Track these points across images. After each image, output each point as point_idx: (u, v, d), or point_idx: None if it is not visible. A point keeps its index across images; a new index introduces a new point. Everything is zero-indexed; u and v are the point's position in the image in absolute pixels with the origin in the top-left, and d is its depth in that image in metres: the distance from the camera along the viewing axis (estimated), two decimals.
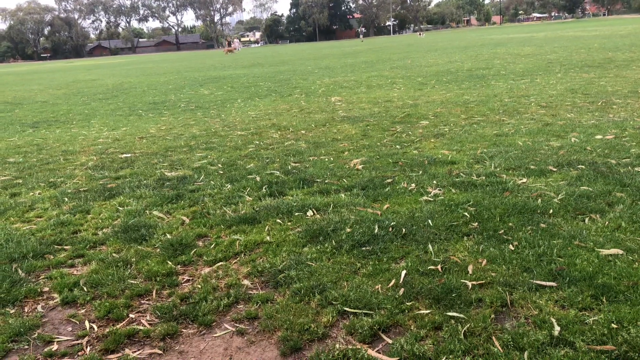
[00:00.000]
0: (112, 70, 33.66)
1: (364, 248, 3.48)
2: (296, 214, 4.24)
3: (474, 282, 2.93)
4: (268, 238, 3.80)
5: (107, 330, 2.82)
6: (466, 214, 3.94)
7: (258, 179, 5.37)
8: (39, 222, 4.63)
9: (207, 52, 74.07)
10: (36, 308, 3.11)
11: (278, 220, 4.13)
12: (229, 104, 12.16)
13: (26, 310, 3.11)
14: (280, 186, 5.03)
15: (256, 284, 3.19)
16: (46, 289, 3.34)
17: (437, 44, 34.07)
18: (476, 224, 3.75)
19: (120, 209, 4.78)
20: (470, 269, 3.09)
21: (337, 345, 2.48)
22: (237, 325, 2.77)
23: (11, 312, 3.07)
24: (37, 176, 6.32)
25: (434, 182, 4.83)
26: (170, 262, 3.54)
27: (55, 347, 2.71)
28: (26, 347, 2.73)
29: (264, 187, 5.03)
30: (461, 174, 5.05)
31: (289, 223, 4.07)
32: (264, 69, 23.79)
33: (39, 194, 5.54)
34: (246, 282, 3.22)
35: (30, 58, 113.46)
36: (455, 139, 6.70)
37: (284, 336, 2.60)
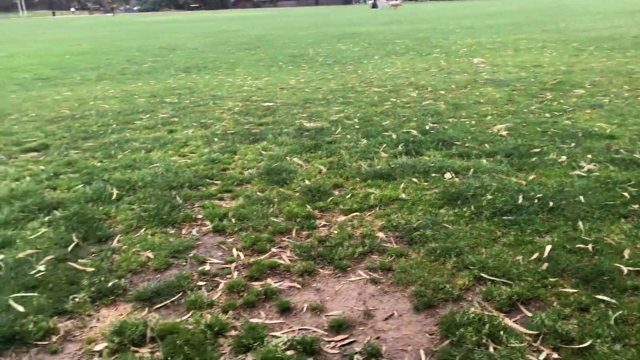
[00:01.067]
0: (254, 22, 35.04)
1: (505, 217, 3.37)
2: (433, 174, 4.20)
3: (631, 268, 2.72)
4: (403, 195, 3.82)
5: (252, 259, 3.06)
6: (625, 194, 3.62)
7: (394, 136, 5.36)
8: (192, 157, 5.07)
9: (345, 8, 73.98)
10: (192, 231, 3.46)
11: (414, 179, 4.12)
12: (365, 60, 12.14)
13: (183, 232, 3.47)
14: (417, 145, 4.99)
15: (390, 238, 3.24)
16: (200, 216, 3.68)
17: (590, 8, 30.76)
18: (637, 206, 3.44)
19: (264, 152, 5.07)
20: (626, 253, 2.86)
21: (472, 309, 2.46)
22: (371, 273, 2.86)
23: (171, 232, 3.45)
24: (190, 116, 6.88)
25: (589, 156, 4.48)
26: (308, 206, 3.72)
27: (207, 267, 3.01)
28: (184, 263, 3.07)
29: (400, 145, 5.02)
30: (621, 150, 4.62)
31: (425, 183, 4.05)
32: (402, 27, 23.28)
33: (192, 132, 6.05)
34: (380, 234, 3.29)
35: (181, 8, 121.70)
36: (615, 111, 6.11)
37: (417, 291, 2.64)
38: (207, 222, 3.57)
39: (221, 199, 4.00)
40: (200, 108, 7.42)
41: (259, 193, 4.03)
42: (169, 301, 2.67)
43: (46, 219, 3.65)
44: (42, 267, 3.00)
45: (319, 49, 15.47)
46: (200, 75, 10.98)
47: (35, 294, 2.74)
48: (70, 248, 3.21)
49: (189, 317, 2.54)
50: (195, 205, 3.87)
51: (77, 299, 2.69)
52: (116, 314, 2.60)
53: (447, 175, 4.15)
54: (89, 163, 4.94)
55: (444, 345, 2.24)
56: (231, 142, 5.48)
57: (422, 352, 2.22)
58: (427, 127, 5.69)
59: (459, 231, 3.22)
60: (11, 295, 2.72)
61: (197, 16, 58.11)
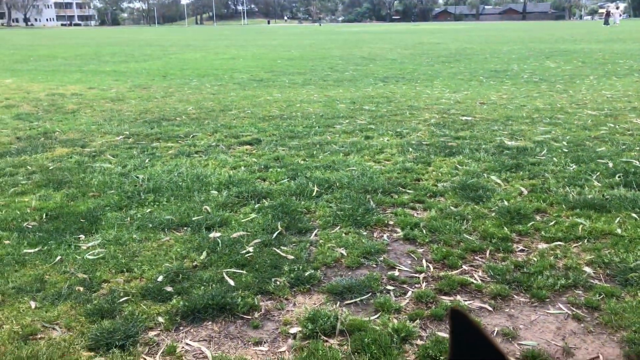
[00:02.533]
0: (455, 36, 34.50)
1: None
2: None
3: None
4: (619, 231, 3.41)
5: (442, 273, 3.01)
6: None
7: (610, 164, 4.82)
8: (387, 164, 5.18)
9: (556, 23, 68.86)
10: (383, 236, 3.54)
11: (633, 215, 3.65)
12: (578, 80, 11.13)
13: (375, 235, 3.56)
14: (639, 177, 4.41)
15: (600, 275, 2.92)
16: (391, 222, 3.75)
17: None
18: None
19: (459, 167, 4.96)
20: None
21: None
22: (574, 309, 2.61)
23: (364, 233, 3.57)
24: (387, 125, 7.04)
25: None
26: (506, 228, 3.53)
27: (396, 273, 3.05)
28: (374, 265, 3.15)
29: (617, 175, 4.49)
30: None
31: None
32: (625, 45, 20.83)
33: (387, 140, 6.18)
34: (588, 269, 2.98)
35: (383, 19, 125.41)
36: None
37: (630, 337, 2.34)
38: (398, 229, 3.62)
39: (413, 208, 4.02)
40: (397, 117, 7.55)
41: (452, 207, 3.95)
42: (358, 299, 2.77)
43: (256, 206, 4.05)
44: (250, 249, 3.34)
45: (524, 65, 14.63)
46: (398, 85, 11.17)
47: (244, 271, 3.06)
48: (274, 235, 3.52)
49: (376, 317, 2.60)
50: (388, 211, 3.94)
51: (278, 282, 2.94)
52: (310, 302, 2.77)
53: None
54: (294, 160, 5.36)
55: None
56: (426, 153, 5.47)
57: None
58: None
59: None
60: (225, 270, 3.08)
61: (397, 28, 59.33)
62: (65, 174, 4.91)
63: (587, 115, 7.26)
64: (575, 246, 3.28)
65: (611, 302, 2.62)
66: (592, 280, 2.86)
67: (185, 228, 3.66)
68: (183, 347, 2.41)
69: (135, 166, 5.16)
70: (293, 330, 2.53)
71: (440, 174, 4.77)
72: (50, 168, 5.17)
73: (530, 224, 3.59)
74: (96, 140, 6.37)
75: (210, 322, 2.61)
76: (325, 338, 2.45)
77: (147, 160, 5.36)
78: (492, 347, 0.49)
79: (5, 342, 2.44)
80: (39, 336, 2.51)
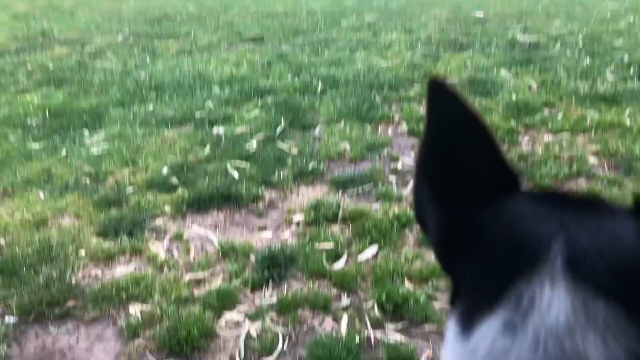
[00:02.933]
0: None
1: None
2: None
3: None
4: (628, 122, 3.35)
5: None
6: None
7: (626, 57, 4.64)
8: (394, 60, 5.03)
9: None
10: (387, 130, 3.51)
11: None
12: None
13: (379, 130, 3.53)
14: None
15: (604, 164, 2.90)
16: (396, 117, 3.70)
17: None
18: None
19: (469, 62, 4.81)
20: None
21: None
22: None
23: (368, 128, 3.53)
24: (395, 21, 6.76)
25: None
26: (512, 121, 3.48)
27: (399, 165, 3.05)
28: (377, 158, 3.15)
29: (631, 68, 4.34)
30: None
31: None
32: None
33: (395, 36, 5.97)
34: (593, 159, 2.96)
35: None
36: None
37: None
38: (403, 123, 3.58)
39: (419, 102, 3.95)
40: (406, 13, 7.24)
41: None
42: (360, 189, 2.79)
43: (259, 102, 4.00)
44: (254, 143, 3.33)
45: None
46: None
47: (248, 164, 3.08)
48: (278, 130, 3.50)
49: (378, 206, 2.63)
50: (393, 106, 3.88)
51: (281, 174, 2.96)
52: (314, 192, 2.81)
53: None
54: (298, 57, 5.21)
55: None
56: (435, 49, 5.29)
57: None
58: None
59: None
60: (229, 162, 3.09)
61: None
62: (67, 73, 4.84)
63: (606, 9, 6.91)
64: (582, 137, 3.24)
65: (613, 190, 2.62)
66: (596, 170, 2.85)
67: (188, 124, 3.64)
68: (189, 233, 2.48)
69: (137, 64, 5.06)
70: (296, 218, 2.58)
71: (449, 70, 4.63)
72: (50, 67, 5.08)
73: (538, 116, 3.53)
74: (96, 40, 6.21)
75: (215, 211, 2.66)
76: (328, 223, 2.50)
77: (148, 59, 5.24)
78: (472, 116, 0.46)
79: (18, 228, 2.52)
80: (50, 224, 2.58)
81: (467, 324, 0.41)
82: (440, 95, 0.47)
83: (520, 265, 0.40)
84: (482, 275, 0.43)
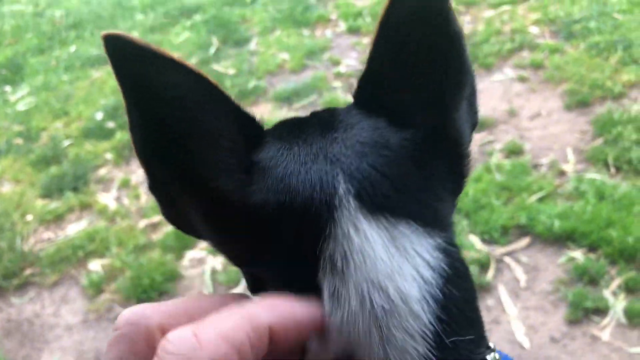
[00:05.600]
0: None
1: None
2: None
3: None
4: None
5: None
6: None
7: None
8: None
9: None
10: (325, 33, 3.35)
11: None
12: None
13: (317, 34, 3.37)
14: None
15: (545, 33, 2.85)
16: (333, 16, 3.52)
17: None
18: None
19: None
20: None
21: (635, 107, 2.16)
22: (519, 71, 2.60)
23: (306, 33, 3.37)
24: None
25: None
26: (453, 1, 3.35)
27: (342, 69, 2.95)
28: (317, 64, 3.03)
29: None
30: None
31: None
32: None
33: None
34: (534, 29, 2.90)
35: None
36: None
37: (570, 89, 2.36)
38: (341, 22, 3.42)
39: None
40: None
41: None
42: (306, 101, 2.71)
43: (188, 23, 3.75)
44: None
45: None
46: None
47: None
48: (212, 51, 3.32)
49: None
50: (329, 5, 3.69)
51: None
52: (258, 111, 2.70)
53: None
54: None
55: (596, 143, 2.03)
56: None
57: (569, 150, 2.05)
58: None
59: (631, 22, 2.72)
60: None
61: None
62: None
63: None
64: (522, 7, 3.15)
65: (554, 58, 2.60)
66: (537, 40, 2.80)
67: None
68: (137, 178, 2.40)
69: (49, 3, 4.64)
70: None
71: None
72: None
73: None
74: None
75: None
76: None
77: None
78: (178, 67, 0.36)
79: None
80: None
81: None
82: (125, 55, 0.35)
83: (317, 225, 0.35)
84: (285, 253, 0.37)
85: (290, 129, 0.42)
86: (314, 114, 0.44)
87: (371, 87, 0.41)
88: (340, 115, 0.41)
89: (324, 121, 0.41)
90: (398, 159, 0.38)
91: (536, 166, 2.00)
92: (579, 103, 2.27)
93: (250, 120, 0.40)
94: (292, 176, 0.37)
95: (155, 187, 0.41)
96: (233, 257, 0.42)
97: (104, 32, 0.35)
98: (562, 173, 1.94)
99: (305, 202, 0.36)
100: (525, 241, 1.72)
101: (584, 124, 2.15)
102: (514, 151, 2.07)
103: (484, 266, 1.67)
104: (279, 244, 0.37)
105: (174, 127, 0.38)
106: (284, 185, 0.37)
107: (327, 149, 0.38)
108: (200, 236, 0.42)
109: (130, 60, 0.36)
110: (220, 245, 0.42)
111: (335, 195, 0.35)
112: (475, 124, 0.46)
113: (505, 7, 3.17)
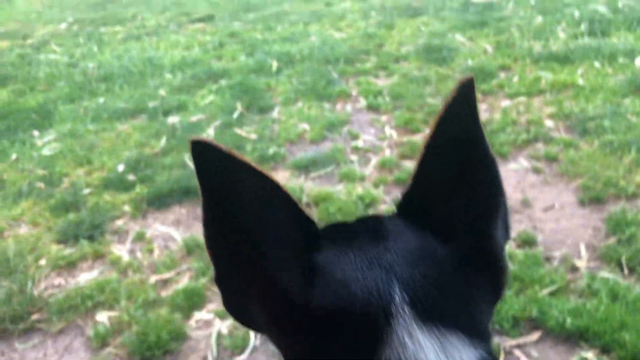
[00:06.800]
0: None
1: None
2: (620, 60, 3.63)
3: None
4: (581, 81, 3.39)
5: (405, 139, 3.01)
6: None
7: (577, 14, 4.68)
8: (349, 31, 4.97)
9: None
10: (346, 107, 3.48)
11: (596, 64, 3.61)
12: None
13: (337, 108, 3.50)
14: (605, 25, 4.31)
15: (560, 127, 2.95)
16: (354, 92, 3.67)
17: None
18: None
19: (423, 28, 4.78)
20: None
21: None
22: (533, 162, 2.67)
23: (327, 106, 3.50)
24: None
25: None
26: None
27: (360, 143, 3.03)
28: (336, 137, 3.13)
29: (582, 24, 4.39)
30: None
31: (610, 69, 3.53)
32: None
33: (349, 5, 5.88)
34: (549, 122, 3.00)
35: None
36: None
37: (584, 185, 2.42)
38: (362, 99, 3.55)
39: (376, 76, 3.92)
40: None
41: (415, 71, 3.86)
42: (323, 171, 2.77)
43: (213, 87, 3.90)
44: (211, 131, 3.26)
45: None
46: None
47: None
48: (235, 115, 3.43)
49: (341, 187, 2.63)
50: (350, 81, 3.84)
51: None
52: (276, 178, 2.77)
53: (639, 61, 3.57)
54: (251, 35, 5.09)
55: (610, 242, 2.06)
56: (389, 16, 5.24)
57: (582, 246, 2.07)
58: (620, 4, 4.86)
59: None
60: (187, 154, 3.02)
61: None
62: (9, 69, 4.62)
63: None
64: (537, 100, 3.27)
65: (569, 152, 2.67)
66: (552, 133, 2.89)
67: (141, 115, 3.53)
68: (152, 232, 2.43)
69: (83, 55, 4.86)
70: None
71: (403, 38, 4.60)
72: None
73: (494, 81, 3.55)
74: (38, 30, 5.93)
75: (177, 206, 2.61)
76: None
77: (95, 48, 5.04)
78: (253, 174, 0.41)
79: None
80: (6, 234, 2.49)
81: None
82: (206, 154, 0.41)
83: (375, 330, 0.38)
84: (342, 354, 0.39)
85: (343, 234, 0.45)
86: (361, 221, 0.47)
87: (416, 201, 0.45)
88: (387, 224, 0.45)
89: (374, 229, 0.45)
90: (445, 271, 0.41)
91: (548, 259, 2.02)
92: (592, 199, 2.32)
93: (309, 222, 0.44)
94: (351, 282, 0.40)
95: (221, 279, 0.44)
96: (291, 352, 0.44)
97: (193, 137, 0.41)
98: (574, 268, 1.96)
99: (364, 307, 0.39)
100: (536, 335, 1.72)
101: (598, 221, 2.19)
102: (526, 241, 2.10)
103: None
104: (337, 345, 0.39)
105: (246, 227, 0.42)
106: (344, 291, 0.40)
107: (380, 256, 0.41)
108: (259, 329, 0.45)
109: (214, 166, 0.40)
110: (280, 340, 0.44)
111: (391, 303, 0.38)
112: (508, 239, 0.49)
113: (521, 99, 3.30)
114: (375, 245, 0.42)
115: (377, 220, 0.47)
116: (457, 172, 0.44)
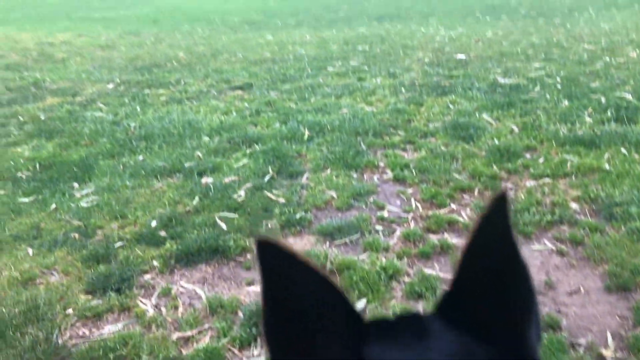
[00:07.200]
0: None
1: None
2: None
3: None
4: (607, 166, 3.43)
5: (430, 212, 3.06)
6: None
7: (603, 100, 4.79)
8: (379, 106, 5.15)
9: None
10: (373, 178, 3.57)
11: (622, 150, 3.66)
12: (577, 13, 10.87)
13: (365, 177, 3.59)
14: (631, 112, 4.39)
15: (585, 210, 2.97)
16: (382, 164, 3.77)
17: None
18: None
19: (451, 106, 4.93)
20: None
21: None
22: (558, 244, 2.67)
23: (354, 175, 3.60)
24: (380, 65, 6.94)
25: None
26: (495, 166, 3.56)
27: (386, 213, 3.09)
28: (363, 206, 3.20)
29: (609, 110, 4.47)
30: None
31: (637, 155, 3.57)
32: None
33: (380, 81, 6.11)
34: (574, 205, 3.03)
35: None
36: None
37: (611, 271, 2.41)
38: (389, 171, 3.65)
39: (404, 149, 4.03)
40: (390, 57, 7.43)
41: (442, 147, 3.96)
42: (347, 239, 2.83)
43: (248, 151, 4.06)
44: (242, 193, 3.37)
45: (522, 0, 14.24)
46: (393, 24, 10.92)
47: (236, 215, 3.11)
48: (266, 179, 3.55)
49: (365, 256, 2.67)
50: (378, 153, 3.96)
51: (269, 225, 2.99)
52: (302, 243, 2.84)
53: None
54: (286, 104, 5.32)
55: (638, 332, 2.03)
56: (418, 93, 5.43)
57: (609, 334, 2.04)
58: None
59: None
60: (217, 214, 3.12)
61: None
62: (57, 124, 4.89)
63: (583, 50, 7.14)
64: (563, 182, 3.31)
65: (595, 237, 2.68)
66: (577, 216, 2.91)
67: (177, 174, 3.68)
68: (178, 289, 2.49)
69: (127, 114, 5.13)
70: None
71: (431, 114, 4.75)
72: (41, 118, 5.14)
73: (520, 161, 3.61)
74: (87, 89, 6.31)
75: (203, 265, 2.67)
76: None
77: (138, 108, 5.32)
78: (311, 273, 0.44)
79: (5, 287, 2.52)
80: (38, 281, 2.58)
81: None
82: (272, 256, 0.43)
83: None
84: None
85: (387, 331, 0.49)
86: (402, 319, 0.50)
87: (455, 304, 0.49)
88: (428, 323, 0.49)
89: (416, 328, 0.48)
90: None
91: (574, 345, 2.00)
92: (619, 287, 2.30)
93: (359, 317, 0.47)
94: None
95: None
96: None
97: (259, 236, 0.43)
98: (601, 357, 1.93)
99: None
100: None
101: (625, 309, 2.17)
102: (550, 325, 2.08)
103: None
104: None
105: (303, 324, 0.45)
106: None
107: (425, 355, 0.45)
108: None
109: (278, 267, 0.43)
110: None
111: None
112: (540, 339, 0.52)
113: (546, 180, 3.34)
114: (418, 344, 0.46)
115: (416, 318, 0.50)
116: (493, 280, 0.47)
